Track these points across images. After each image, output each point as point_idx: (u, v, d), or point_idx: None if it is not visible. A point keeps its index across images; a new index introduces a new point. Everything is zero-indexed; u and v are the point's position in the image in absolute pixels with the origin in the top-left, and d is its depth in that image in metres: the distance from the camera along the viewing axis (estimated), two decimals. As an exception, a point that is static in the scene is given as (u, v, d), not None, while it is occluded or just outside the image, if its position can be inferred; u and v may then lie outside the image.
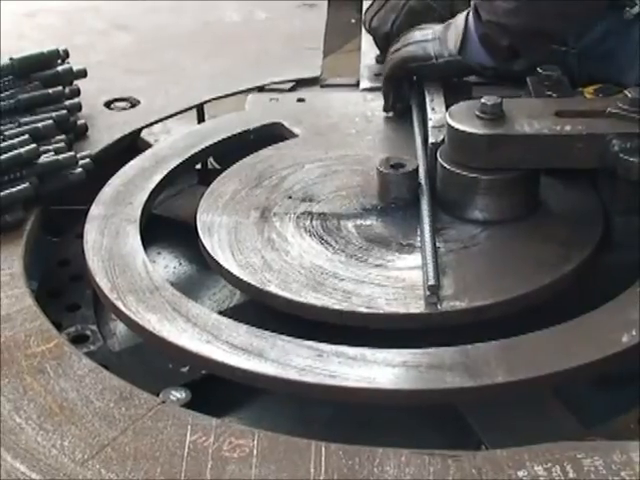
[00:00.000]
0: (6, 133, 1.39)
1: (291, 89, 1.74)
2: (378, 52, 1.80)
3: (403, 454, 0.91)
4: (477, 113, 1.26)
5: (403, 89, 1.55)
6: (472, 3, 1.44)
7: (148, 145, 1.64)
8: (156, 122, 1.64)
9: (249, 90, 1.74)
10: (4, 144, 1.36)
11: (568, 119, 1.25)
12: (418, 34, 1.52)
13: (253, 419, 1.14)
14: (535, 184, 1.29)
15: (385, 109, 1.58)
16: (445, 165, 1.27)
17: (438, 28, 1.50)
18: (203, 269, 1.40)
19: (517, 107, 1.28)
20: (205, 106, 1.75)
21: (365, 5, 2.00)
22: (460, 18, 1.46)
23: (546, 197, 1.31)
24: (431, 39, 1.48)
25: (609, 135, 1.21)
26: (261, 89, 1.74)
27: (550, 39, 1.42)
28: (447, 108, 1.39)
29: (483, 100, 1.26)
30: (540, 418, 1.08)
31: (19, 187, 1.32)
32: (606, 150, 1.21)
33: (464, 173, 1.26)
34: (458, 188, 1.27)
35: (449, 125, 1.26)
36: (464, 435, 1.07)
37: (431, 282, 1.12)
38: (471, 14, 1.43)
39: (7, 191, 1.31)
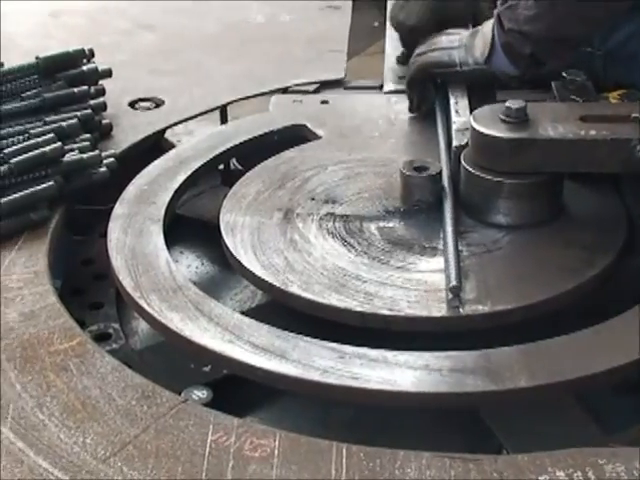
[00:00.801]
0: (31, 131, 1.40)
1: (315, 91, 1.74)
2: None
3: (424, 457, 0.92)
4: (501, 117, 1.25)
5: (427, 91, 1.55)
6: (495, 12, 1.43)
7: (171, 146, 1.65)
8: (180, 122, 1.65)
9: (273, 92, 1.74)
10: (29, 142, 1.36)
11: (593, 124, 1.24)
12: (445, 39, 1.51)
13: (273, 420, 1.14)
14: (558, 189, 1.29)
15: (410, 110, 1.58)
16: (468, 168, 1.27)
17: (465, 35, 1.50)
18: (225, 269, 1.41)
19: (541, 111, 1.28)
20: (228, 107, 1.75)
21: (389, 8, 2.00)
22: (487, 26, 1.45)
23: (569, 201, 1.31)
24: (457, 46, 1.48)
25: (634, 140, 1.20)
26: (285, 91, 1.75)
27: (573, 44, 1.41)
28: (471, 111, 1.39)
29: (507, 104, 1.26)
30: (561, 424, 1.07)
31: (44, 185, 1.33)
32: (630, 155, 1.20)
33: (487, 177, 1.25)
34: (481, 192, 1.27)
35: (473, 128, 1.26)
36: (484, 439, 1.07)
37: (453, 283, 1.12)
38: (495, 23, 1.43)
39: (32, 189, 1.32)
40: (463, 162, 1.28)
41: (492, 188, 1.26)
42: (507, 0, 1.41)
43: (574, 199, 1.31)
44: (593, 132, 1.23)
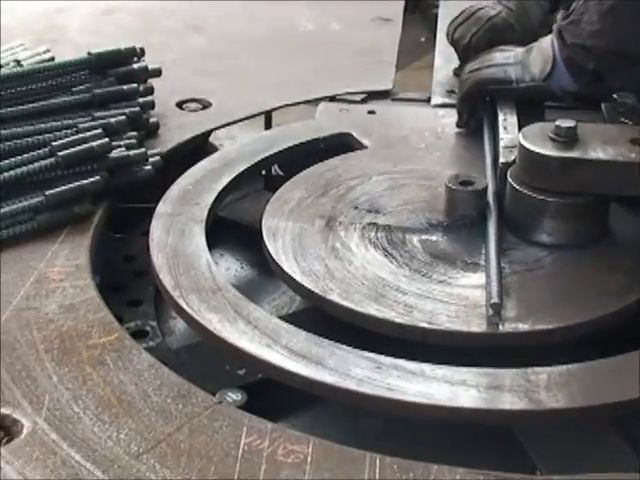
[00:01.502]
0: (80, 126, 1.40)
1: (362, 101, 1.74)
2: (452, 69, 1.80)
3: (458, 472, 0.91)
4: (551, 135, 1.25)
5: (478, 107, 1.55)
6: (555, 27, 1.43)
7: (215, 149, 1.65)
8: (227, 125, 1.65)
9: (320, 99, 1.74)
10: (77, 137, 1.37)
11: None
12: (499, 56, 1.51)
13: (305, 427, 1.13)
14: (604, 211, 1.28)
15: (458, 125, 1.58)
16: (515, 186, 1.26)
17: (520, 51, 1.50)
18: (264, 274, 1.41)
19: (591, 132, 1.27)
20: (273, 114, 1.76)
21: (440, 24, 2.00)
22: (545, 42, 1.45)
23: (614, 225, 1.29)
24: (513, 63, 1.48)
25: None
26: (332, 99, 1.75)
27: (634, 61, 1.41)
28: (520, 129, 1.38)
29: (557, 122, 1.25)
30: (597, 448, 1.06)
31: (91, 179, 1.33)
32: None
33: (533, 195, 1.25)
34: (526, 210, 1.26)
35: (522, 146, 1.25)
36: (517, 458, 1.05)
37: (494, 300, 1.11)
38: (555, 38, 1.42)
39: (78, 183, 1.33)
40: (509, 179, 1.28)
41: (537, 206, 1.25)
42: (569, 15, 1.40)
43: (619, 223, 1.30)
44: None
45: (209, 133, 1.65)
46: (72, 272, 1.21)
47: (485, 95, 1.53)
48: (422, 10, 3.25)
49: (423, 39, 3.05)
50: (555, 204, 1.24)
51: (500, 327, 1.11)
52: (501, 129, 1.42)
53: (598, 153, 1.22)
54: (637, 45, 1.36)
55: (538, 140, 1.25)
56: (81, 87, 1.51)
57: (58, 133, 1.39)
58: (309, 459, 0.92)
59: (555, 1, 1.63)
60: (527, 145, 1.25)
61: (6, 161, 1.34)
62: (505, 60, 1.50)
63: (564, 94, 1.46)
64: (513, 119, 1.45)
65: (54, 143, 1.35)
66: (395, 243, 1.27)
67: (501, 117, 1.46)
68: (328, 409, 1.15)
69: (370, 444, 1.00)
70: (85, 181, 1.33)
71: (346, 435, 1.11)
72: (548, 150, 1.23)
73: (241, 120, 1.66)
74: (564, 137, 1.24)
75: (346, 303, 1.16)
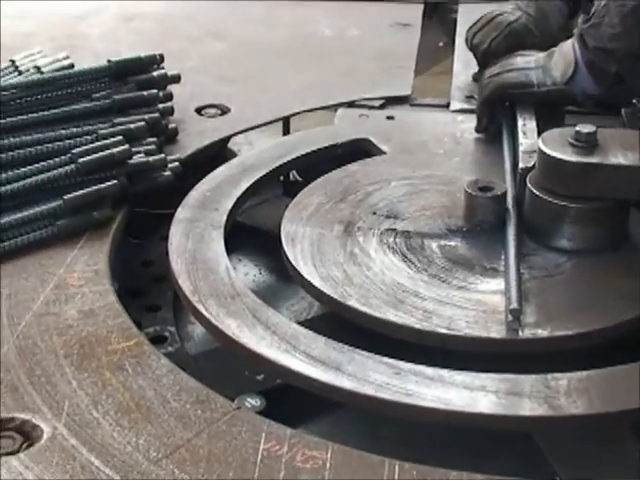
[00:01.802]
0: (100, 132, 1.41)
1: (381, 106, 1.74)
2: (470, 74, 1.80)
3: (476, 479, 0.90)
4: (570, 140, 1.24)
5: (498, 112, 1.54)
6: (576, 31, 1.43)
7: (234, 155, 1.65)
8: (246, 130, 1.65)
9: (338, 105, 1.74)
10: (98, 143, 1.38)
11: None
12: (520, 60, 1.51)
13: (323, 433, 1.13)
14: (624, 216, 1.27)
15: (477, 130, 1.57)
16: (534, 191, 1.26)
17: (541, 56, 1.50)
18: (282, 279, 1.41)
19: (611, 137, 1.26)
20: (291, 120, 1.76)
21: (458, 29, 2.00)
22: (566, 46, 1.45)
23: (634, 231, 1.29)
24: (534, 67, 1.48)
25: None
26: (350, 104, 1.75)
27: None
28: (539, 134, 1.38)
29: (577, 128, 1.24)
30: (617, 455, 1.06)
31: (108, 183, 1.34)
32: None
33: (553, 200, 1.24)
34: (546, 215, 1.26)
35: (541, 151, 1.25)
36: (538, 466, 1.05)
37: (514, 305, 1.11)
38: (576, 42, 1.42)
39: (96, 187, 1.33)
40: (529, 184, 1.27)
41: (557, 212, 1.25)
42: (590, 19, 1.40)
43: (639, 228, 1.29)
44: None
45: (228, 139, 1.66)
46: (91, 278, 1.21)
47: (506, 99, 1.53)
48: (440, 15, 3.24)
49: (441, 44, 3.04)
50: (575, 209, 1.23)
51: (520, 333, 1.11)
52: (520, 134, 1.42)
53: (618, 158, 1.22)
54: None
55: (557, 145, 1.25)
56: (101, 93, 1.52)
57: (79, 139, 1.40)
58: (328, 465, 0.92)
59: (574, 6, 1.63)
60: (546, 150, 1.24)
61: (27, 168, 1.34)
62: (526, 64, 1.49)
63: (585, 98, 1.46)
64: (532, 124, 1.45)
65: (74, 150, 1.36)
66: (414, 248, 1.27)
67: (520, 122, 1.45)
68: (347, 415, 1.15)
69: (389, 450, 1.00)
70: (103, 185, 1.33)
71: (365, 441, 1.12)
72: (567, 155, 1.23)
73: (260, 126, 1.67)
74: (584, 142, 1.23)
75: (365, 309, 1.16)
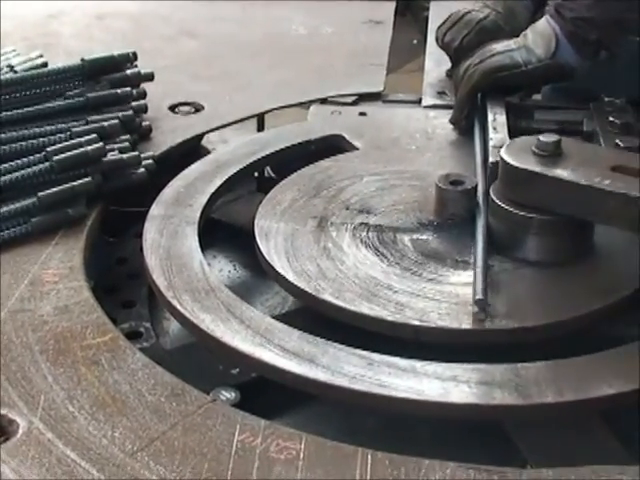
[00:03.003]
0: (74, 130, 1.42)
1: (353, 103, 1.75)
2: (443, 71, 1.82)
3: (449, 467, 0.92)
4: (533, 149, 1.23)
5: (474, 104, 1.56)
6: (550, 7, 1.47)
7: (208, 152, 1.66)
8: (219, 128, 1.66)
9: (311, 102, 1.75)
10: (71, 142, 1.38)
11: (618, 174, 1.17)
12: (499, 45, 1.54)
13: (299, 425, 1.14)
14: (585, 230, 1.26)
15: (455, 121, 1.58)
16: (493, 197, 1.26)
17: (517, 39, 1.52)
18: (257, 275, 1.41)
19: (578, 150, 1.24)
20: (265, 117, 1.77)
21: (430, 26, 2.02)
22: (540, 25, 1.49)
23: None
24: (516, 48, 1.50)
25: None
26: (323, 101, 1.76)
27: (631, 29, 1.47)
28: (509, 128, 1.39)
29: (541, 137, 1.23)
30: (586, 442, 1.07)
31: (81, 181, 1.34)
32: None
33: (509, 208, 1.24)
34: (505, 222, 1.25)
35: (501, 157, 1.25)
36: (509, 454, 1.07)
37: (479, 296, 1.12)
38: (552, 16, 1.46)
39: (69, 185, 1.34)
40: (491, 190, 1.27)
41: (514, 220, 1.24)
42: None
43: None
44: (607, 182, 1.16)
45: (201, 136, 1.66)
46: (66, 274, 1.22)
47: (495, 84, 1.53)
48: (414, 12, 3.26)
49: (415, 41, 3.06)
50: (533, 220, 1.22)
51: (488, 323, 1.12)
52: (490, 129, 1.43)
53: (564, 172, 1.19)
54: (631, 12, 1.41)
55: (519, 151, 1.24)
56: (75, 91, 1.52)
57: (52, 137, 1.41)
58: (302, 455, 0.93)
59: (539, 3, 1.65)
60: (504, 156, 1.24)
61: (1, 166, 1.35)
62: (507, 47, 1.52)
63: (571, 70, 1.48)
64: (502, 118, 1.46)
65: (48, 148, 1.36)
66: (386, 243, 1.28)
67: (490, 117, 1.47)
68: (322, 407, 1.16)
69: (365, 441, 1.01)
70: (77, 182, 1.34)
71: (340, 433, 1.12)
72: (515, 160, 1.22)
73: (233, 123, 1.67)
74: (545, 152, 1.22)
75: (338, 302, 1.17)
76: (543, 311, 1.16)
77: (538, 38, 1.49)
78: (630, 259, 1.23)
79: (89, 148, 1.37)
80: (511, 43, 1.53)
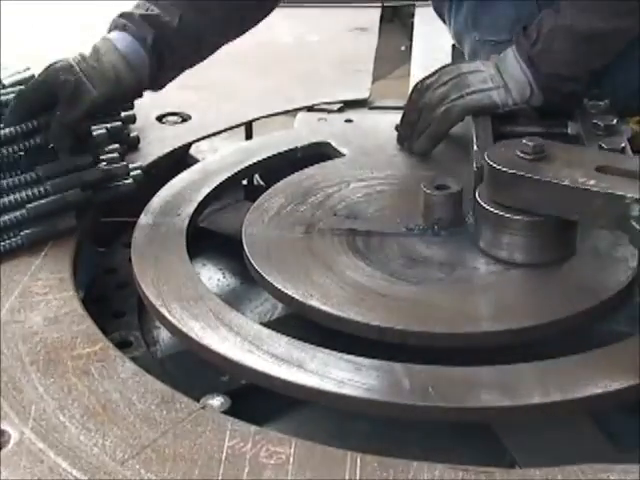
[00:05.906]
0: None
1: (339, 110, 1.76)
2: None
3: (437, 468, 0.93)
4: (517, 152, 1.24)
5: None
6: (524, 53, 1.47)
7: (196, 162, 1.67)
8: (206, 137, 1.67)
9: (298, 109, 1.77)
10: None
11: (603, 175, 1.19)
12: (474, 80, 1.50)
13: (289, 431, 1.15)
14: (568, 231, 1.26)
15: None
16: (479, 200, 1.26)
17: (491, 72, 1.50)
18: (246, 282, 1.43)
19: (563, 152, 1.25)
20: (253, 125, 1.78)
21: (415, 31, 2.03)
22: (516, 71, 1.48)
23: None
24: (494, 87, 1.48)
25: (628, 198, 1.13)
26: (310, 109, 1.77)
27: (602, 72, 1.49)
28: (493, 133, 1.40)
29: (524, 140, 1.24)
30: (573, 441, 1.09)
31: (70, 191, 1.35)
32: (625, 214, 1.13)
33: (494, 210, 1.24)
34: (489, 224, 1.26)
35: (485, 160, 1.25)
36: (497, 454, 1.08)
37: None
38: (527, 65, 1.46)
39: (59, 196, 1.34)
40: (476, 193, 1.28)
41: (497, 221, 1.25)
42: (536, 42, 1.45)
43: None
44: (592, 182, 1.17)
45: (189, 146, 1.68)
46: (56, 285, 1.22)
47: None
48: (401, 19, 3.27)
49: (403, 48, 3.07)
50: (515, 221, 1.23)
51: (474, 326, 1.13)
52: (474, 134, 1.44)
53: (548, 173, 1.20)
54: (608, 59, 1.46)
55: (503, 154, 1.25)
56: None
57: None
58: (291, 460, 0.94)
59: None
60: (488, 157, 1.25)
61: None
62: (484, 84, 1.49)
63: (543, 111, 1.49)
64: (487, 122, 1.47)
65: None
66: (373, 248, 1.29)
67: (474, 123, 1.48)
68: (312, 412, 1.16)
69: (356, 445, 1.01)
70: (65, 193, 1.35)
71: (331, 438, 1.13)
72: (500, 164, 1.23)
73: (220, 132, 1.69)
74: (529, 154, 1.23)
75: (326, 308, 1.17)
76: (530, 313, 1.17)
77: (512, 82, 1.48)
78: (614, 259, 1.24)
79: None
80: (487, 78, 1.50)
